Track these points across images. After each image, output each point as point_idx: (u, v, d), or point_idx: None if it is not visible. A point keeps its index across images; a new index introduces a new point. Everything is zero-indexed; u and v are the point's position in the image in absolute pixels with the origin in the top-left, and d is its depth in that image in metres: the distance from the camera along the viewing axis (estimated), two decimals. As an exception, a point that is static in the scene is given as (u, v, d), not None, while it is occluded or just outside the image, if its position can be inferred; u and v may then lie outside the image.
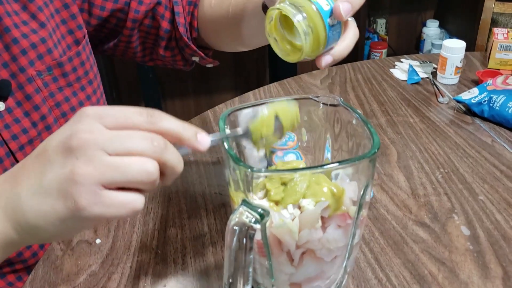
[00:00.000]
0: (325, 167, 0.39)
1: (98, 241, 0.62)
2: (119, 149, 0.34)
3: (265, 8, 0.56)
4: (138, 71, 1.72)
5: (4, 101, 0.58)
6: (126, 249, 0.61)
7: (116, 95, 1.96)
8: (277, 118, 0.42)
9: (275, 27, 0.45)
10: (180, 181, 0.73)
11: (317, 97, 0.45)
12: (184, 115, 2.17)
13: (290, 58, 0.45)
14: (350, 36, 0.46)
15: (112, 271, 0.58)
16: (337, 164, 0.37)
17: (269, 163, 0.54)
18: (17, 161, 0.60)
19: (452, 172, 0.73)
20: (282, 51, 0.46)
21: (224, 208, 0.67)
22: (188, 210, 0.67)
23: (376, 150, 0.37)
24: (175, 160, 0.37)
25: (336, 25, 0.43)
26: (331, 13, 0.42)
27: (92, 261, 0.59)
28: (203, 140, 0.38)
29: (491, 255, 0.57)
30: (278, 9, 0.43)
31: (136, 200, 0.36)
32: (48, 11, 0.62)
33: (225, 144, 0.39)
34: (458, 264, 0.56)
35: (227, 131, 0.42)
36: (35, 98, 0.61)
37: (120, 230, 0.64)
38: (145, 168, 0.35)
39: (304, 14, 0.42)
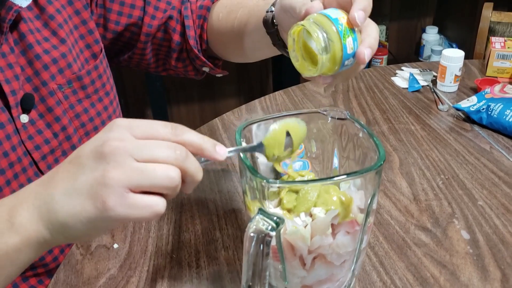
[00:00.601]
0: (335, 179, 0.42)
1: (115, 246, 0.65)
2: (146, 156, 0.38)
3: (266, 23, 0.59)
4: (146, 80, 1.76)
5: (27, 114, 0.61)
6: (143, 253, 0.64)
7: (124, 102, 2.00)
8: (288, 135, 0.45)
9: (296, 43, 0.48)
10: (191, 188, 0.76)
11: (326, 111, 0.49)
12: (189, 121, 2.21)
13: (306, 73, 0.49)
14: (374, 30, 0.48)
15: (130, 274, 0.61)
16: (345, 176, 0.40)
17: (277, 171, 0.57)
18: (40, 171, 0.63)
19: (452, 178, 0.76)
20: (301, 67, 0.49)
21: (234, 214, 0.70)
22: (200, 216, 0.70)
23: (382, 163, 0.40)
24: (195, 169, 0.40)
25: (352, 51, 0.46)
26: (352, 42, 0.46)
27: (111, 265, 0.62)
28: (221, 151, 0.42)
29: (490, 258, 0.60)
30: (302, 25, 0.46)
31: (158, 204, 0.39)
32: (67, 27, 0.66)
33: (241, 155, 0.42)
34: (458, 267, 0.59)
35: (243, 143, 0.45)
36: (56, 110, 0.64)
37: (136, 235, 0.67)
38: (168, 174, 0.38)
39: (324, 34, 0.45)
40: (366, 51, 0.46)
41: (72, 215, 0.39)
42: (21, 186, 0.58)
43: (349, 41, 0.45)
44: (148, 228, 0.68)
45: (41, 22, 0.63)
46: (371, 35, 0.47)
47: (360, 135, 0.46)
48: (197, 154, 0.41)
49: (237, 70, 2.17)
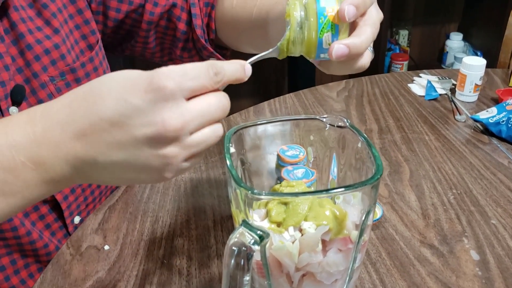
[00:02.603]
0: (325, 193, 0.39)
1: (106, 247, 0.63)
2: (201, 125, 0.38)
3: None
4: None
5: (18, 106, 0.59)
6: (133, 257, 0.62)
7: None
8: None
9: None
10: (190, 191, 0.74)
11: (325, 117, 0.45)
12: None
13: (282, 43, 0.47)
14: (368, 32, 0.45)
15: (118, 278, 0.58)
16: (338, 189, 0.37)
17: (279, 177, 0.54)
18: None
19: (465, 194, 0.71)
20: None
21: (231, 221, 0.67)
22: (196, 221, 0.67)
23: (379, 176, 0.37)
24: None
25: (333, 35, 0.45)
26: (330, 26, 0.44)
27: (100, 267, 0.60)
28: (248, 70, 0.43)
29: (500, 282, 0.56)
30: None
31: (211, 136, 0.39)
32: (62, 17, 0.63)
33: (228, 162, 0.40)
34: (465, 290, 0.55)
35: (232, 149, 0.43)
36: None
37: (129, 238, 0.65)
38: (217, 135, 0.40)
39: (302, 17, 0.44)
40: (336, 48, 0.44)
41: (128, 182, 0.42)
42: None
43: (327, 36, 0.44)
44: (141, 231, 0.66)
45: (34, 11, 0.61)
46: (361, 35, 0.45)
47: (359, 145, 0.42)
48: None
49: (253, 70, 2.14)
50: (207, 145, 0.39)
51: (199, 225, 0.67)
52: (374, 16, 0.46)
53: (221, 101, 0.39)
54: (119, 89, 0.37)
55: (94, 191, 0.71)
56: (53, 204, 0.65)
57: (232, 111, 0.98)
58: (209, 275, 0.58)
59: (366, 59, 0.47)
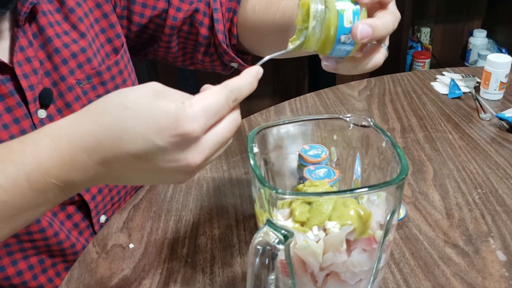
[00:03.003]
0: (349, 193, 0.39)
1: (131, 246, 0.64)
2: (219, 147, 0.41)
3: None
4: (179, 77, 1.76)
5: (45, 109, 0.61)
6: (158, 255, 0.62)
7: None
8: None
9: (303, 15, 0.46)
10: (212, 191, 0.74)
11: (348, 117, 0.45)
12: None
13: (293, 44, 0.47)
14: (388, 18, 0.45)
15: (143, 276, 0.59)
16: (363, 189, 0.37)
17: (301, 177, 0.54)
18: None
19: (490, 193, 0.70)
20: (295, 37, 0.47)
21: (254, 220, 0.68)
22: (219, 220, 0.68)
23: (404, 176, 0.37)
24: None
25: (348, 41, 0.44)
26: (349, 30, 0.44)
27: (125, 265, 0.61)
28: (260, 74, 0.43)
29: (527, 283, 0.55)
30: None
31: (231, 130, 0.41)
32: (88, 21, 0.65)
33: (251, 161, 0.40)
34: (491, 291, 0.55)
35: (255, 149, 0.43)
36: (75, 106, 0.63)
37: (153, 236, 0.66)
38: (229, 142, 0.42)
39: (323, 6, 0.43)
40: (361, 27, 0.43)
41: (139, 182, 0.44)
42: None
43: (347, 13, 0.43)
44: (165, 230, 0.67)
45: (62, 16, 0.62)
46: (381, 18, 0.45)
47: (383, 144, 0.42)
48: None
49: (273, 70, 2.14)
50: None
51: (222, 224, 0.67)
52: (394, 9, 0.46)
53: (235, 119, 0.42)
54: (144, 130, 0.38)
55: (120, 191, 0.72)
56: (80, 203, 0.66)
57: (253, 111, 0.98)
58: (232, 274, 0.59)
59: (380, 56, 0.47)
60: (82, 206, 0.67)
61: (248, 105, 2.15)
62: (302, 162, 0.55)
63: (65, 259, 0.66)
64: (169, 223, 0.68)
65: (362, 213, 0.40)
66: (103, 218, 0.70)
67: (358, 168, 0.47)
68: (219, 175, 0.78)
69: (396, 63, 1.97)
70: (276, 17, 0.63)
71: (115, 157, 0.39)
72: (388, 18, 0.45)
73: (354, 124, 0.45)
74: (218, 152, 0.42)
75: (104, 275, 0.60)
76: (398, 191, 0.38)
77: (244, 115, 0.96)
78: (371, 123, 0.44)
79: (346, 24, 0.43)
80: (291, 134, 0.48)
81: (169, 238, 0.65)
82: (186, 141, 0.38)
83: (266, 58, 0.45)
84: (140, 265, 0.61)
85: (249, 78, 0.42)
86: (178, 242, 0.64)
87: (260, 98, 2.16)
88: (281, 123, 0.45)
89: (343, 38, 0.44)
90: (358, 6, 0.44)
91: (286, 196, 0.39)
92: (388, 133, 0.42)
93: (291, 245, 0.39)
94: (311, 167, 0.54)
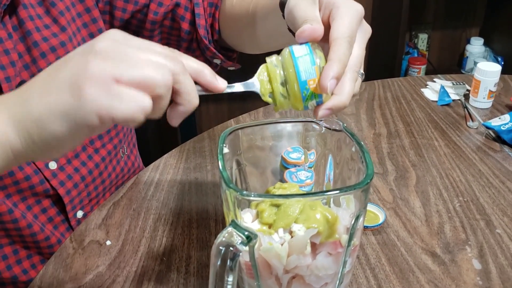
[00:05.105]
0: (314, 196, 0.39)
1: (108, 242, 0.64)
2: (140, 57, 0.35)
3: (282, 5, 0.52)
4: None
5: None
6: (134, 253, 0.62)
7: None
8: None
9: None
10: (194, 190, 0.74)
11: (321, 121, 0.45)
12: (218, 120, 2.20)
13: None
14: (348, 87, 0.42)
15: (117, 273, 0.59)
16: (328, 193, 0.37)
17: (281, 179, 0.54)
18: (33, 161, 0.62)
19: (471, 202, 0.70)
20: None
21: (233, 220, 0.67)
22: (198, 220, 0.68)
23: (368, 181, 0.37)
24: (191, 88, 0.37)
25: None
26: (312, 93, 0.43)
27: (100, 262, 0.61)
28: (222, 81, 0.39)
29: (501, 293, 0.55)
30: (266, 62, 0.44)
31: (145, 100, 0.35)
32: (69, 15, 0.65)
33: (220, 162, 0.40)
34: (464, 299, 0.54)
35: (225, 149, 0.43)
36: None
37: (131, 234, 0.65)
38: (161, 71, 0.35)
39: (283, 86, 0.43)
40: (321, 113, 0.43)
41: (46, 108, 0.35)
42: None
43: (312, 104, 0.43)
44: (143, 228, 0.67)
45: (43, 9, 0.62)
46: (336, 58, 0.41)
47: (353, 149, 0.42)
48: (196, 79, 0.39)
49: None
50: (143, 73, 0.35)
51: (201, 224, 0.67)
52: (347, 31, 0.42)
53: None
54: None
55: (98, 186, 0.72)
56: (56, 198, 0.66)
57: (249, 110, 0.98)
58: (206, 274, 0.59)
59: (356, 87, 0.44)
60: (58, 200, 0.66)
61: (244, 105, 2.15)
62: (284, 164, 0.55)
63: (40, 251, 0.66)
64: (148, 221, 0.68)
65: (329, 216, 0.40)
66: (80, 214, 0.70)
67: (330, 172, 0.47)
68: (202, 175, 0.78)
69: (390, 69, 1.97)
70: (250, 9, 0.63)
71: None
72: (347, 86, 0.42)
73: (326, 127, 0.45)
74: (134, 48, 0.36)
75: (79, 271, 0.60)
76: (363, 195, 0.38)
77: (237, 114, 0.96)
78: (343, 127, 0.44)
79: (304, 77, 0.42)
80: (265, 135, 0.48)
81: (146, 237, 0.65)
82: (102, 35, 0.36)
83: (235, 88, 0.43)
84: (115, 262, 0.61)
85: (205, 64, 0.40)
86: (156, 241, 0.64)
87: (255, 98, 2.15)
88: (254, 124, 0.45)
89: (307, 92, 0.43)
90: (312, 56, 0.42)
91: (251, 198, 0.39)
92: (358, 138, 0.42)
93: (256, 246, 0.38)
94: (293, 169, 0.54)
